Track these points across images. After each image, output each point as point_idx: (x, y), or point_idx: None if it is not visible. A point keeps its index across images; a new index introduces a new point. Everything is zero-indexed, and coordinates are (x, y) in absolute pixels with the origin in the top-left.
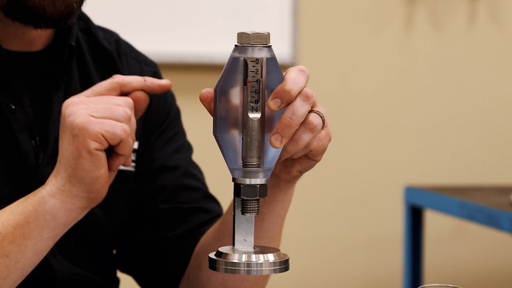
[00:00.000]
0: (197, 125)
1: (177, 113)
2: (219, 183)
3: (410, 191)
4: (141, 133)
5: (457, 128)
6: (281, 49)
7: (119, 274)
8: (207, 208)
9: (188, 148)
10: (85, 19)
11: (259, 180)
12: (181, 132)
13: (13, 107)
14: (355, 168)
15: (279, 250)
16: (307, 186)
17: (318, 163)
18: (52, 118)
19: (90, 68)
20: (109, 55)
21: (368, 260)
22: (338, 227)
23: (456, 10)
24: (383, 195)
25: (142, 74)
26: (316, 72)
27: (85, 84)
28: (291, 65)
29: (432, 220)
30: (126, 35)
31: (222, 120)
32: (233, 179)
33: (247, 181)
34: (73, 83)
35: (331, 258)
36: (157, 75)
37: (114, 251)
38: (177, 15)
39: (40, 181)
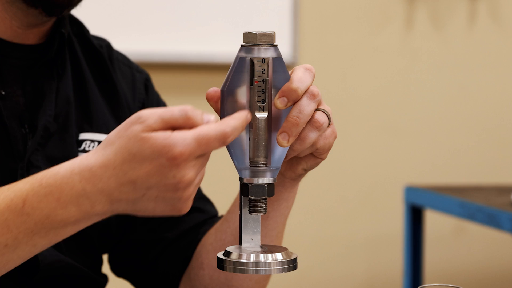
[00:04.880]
0: None
1: None
2: (217, 184)
3: (410, 191)
4: None
5: (457, 128)
6: (281, 49)
7: (111, 275)
8: (203, 209)
9: None
10: (79, 25)
11: (266, 180)
12: None
13: (3, 93)
14: (355, 168)
15: (287, 249)
16: (307, 186)
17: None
18: (43, 107)
19: (82, 65)
20: (101, 57)
21: (368, 260)
22: (338, 227)
23: (456, 10)
24: (383, 195)
25: (133, 80)
26: (316, 72)
27: (77, 79)
28: (291, 65)
29: (432, 220)
30: (126, 35)
31: None
32: (241, 179)
33: (255, 180)
34: (64, 77)
35: (331, 257)
36: (149, 81)
37: (106, 255)
38: (177, 15)
39: (27, 167)
